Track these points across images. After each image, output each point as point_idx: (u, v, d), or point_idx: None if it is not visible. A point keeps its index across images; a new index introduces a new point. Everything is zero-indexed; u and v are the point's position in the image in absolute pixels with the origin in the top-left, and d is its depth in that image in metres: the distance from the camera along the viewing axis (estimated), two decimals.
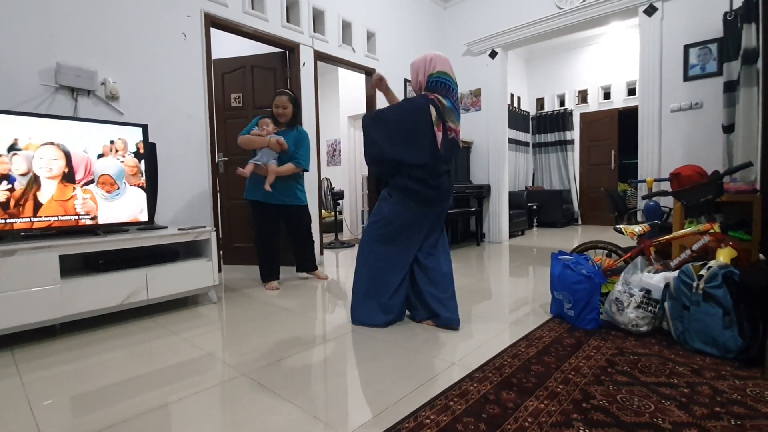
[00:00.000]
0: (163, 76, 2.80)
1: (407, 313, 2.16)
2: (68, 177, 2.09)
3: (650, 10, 3.73)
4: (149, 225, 2.45)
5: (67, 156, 2.09)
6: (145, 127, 2.40)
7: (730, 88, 2.94)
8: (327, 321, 2.24)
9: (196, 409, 1.31)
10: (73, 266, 2.18)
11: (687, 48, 3.55)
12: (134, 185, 2.34)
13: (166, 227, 2.53)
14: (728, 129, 3.01)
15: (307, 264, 3.13)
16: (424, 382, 1.44)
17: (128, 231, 2.32)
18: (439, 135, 1.86)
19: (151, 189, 2.44)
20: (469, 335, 1.93)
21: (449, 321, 1.99)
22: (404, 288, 2.08)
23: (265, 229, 2.88)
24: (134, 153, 2.33)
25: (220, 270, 2.77)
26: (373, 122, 1.98)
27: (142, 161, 2.37)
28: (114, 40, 2.58)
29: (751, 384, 1.36)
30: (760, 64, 1.99)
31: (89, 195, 2.16)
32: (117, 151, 2.26)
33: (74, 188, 2.11)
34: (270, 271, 2.92)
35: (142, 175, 2.37)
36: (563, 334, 1.88)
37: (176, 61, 2.87)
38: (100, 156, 2.20)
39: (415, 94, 2.01)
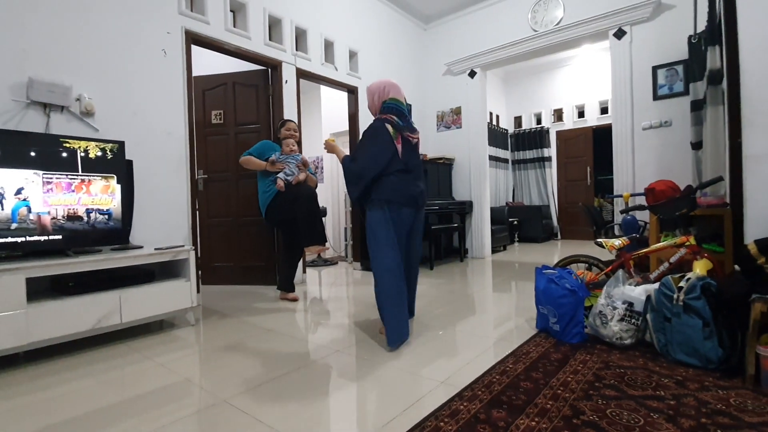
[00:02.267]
0: (141, 92, 2.75)
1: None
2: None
3: (619, 34, 3.92)
4: (124, 245, 2.36)
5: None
6: (121, 144, 2.33)
7: (697, 107, 3.08)
8: (309, 341, 2.17)
9: None
10: (40, 289, 2.06)
11: (655, 69, 3.73)
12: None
13: (141, 247, 2.44)
14: (696, 146, 3.14)
15: (288, 283, 3.11)
16: (412, 403, 1.41)
17: (101, 251, 2.23)
18: (399, 146, 2.06)
19: (126, 207, 2.36)
20: (456, 352, 1.90)
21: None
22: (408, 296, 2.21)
23: (294, 241, 3.07)
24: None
25: (198, 291, 2.68)
26: (351, 163, 2.10)
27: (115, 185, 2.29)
28: (91, 55, 2.52)
29: (734, 394, 1.38)
30: (725, 84, 2.10)
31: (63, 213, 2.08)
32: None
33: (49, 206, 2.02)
34: (293, 281, 3.12)
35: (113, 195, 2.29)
36: (550, 348, 1.88)
37: (155, 78, 2.82)
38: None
39: (372, 117, 2.22)
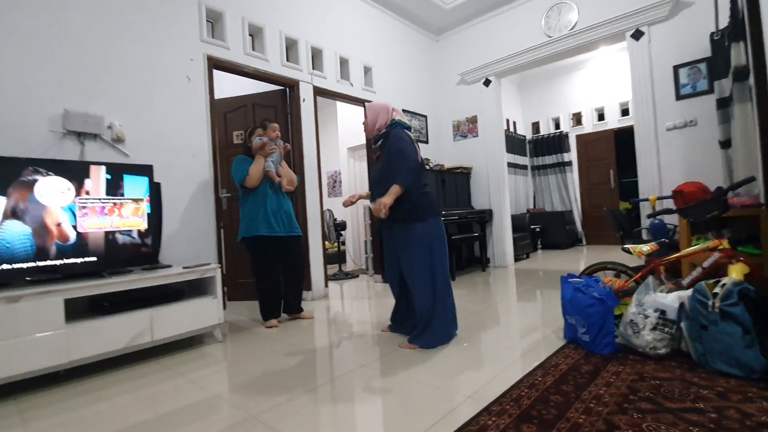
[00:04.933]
0: (167, 117, 2.87)
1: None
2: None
3: (637, 35, 3.86)
4: (154, 264, 2.44)
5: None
6: (149, 168, 2.43)
7: (723, 104, 2.99)
8: (334, 356, 2.18)
9: None
10: (78, 309, 2.15)
11: (676, 68, 3.64)
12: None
13: (170, 266, 2.52)
14: (725, 144, 3.03)
15: (296, 305, 2.97)
16: (439, 418, 1.39)
17: (132, 272, 2.31)
18: (419, 150, 2.31)
19: (156, 228, 2.45)
20: (482, 365, 1.88)
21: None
22: None
23: (269, 265, 2.82)
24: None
25: (225, 307, 2.73)
26: (406, 174, 2.21)
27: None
28: (120, 84, 2.66)
29: None
30: (751, 80, 2.04)
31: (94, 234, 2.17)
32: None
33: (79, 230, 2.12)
34: (273, 310, 2.85)
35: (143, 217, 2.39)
36: (580, 360, 1.83)
37: (180, 103, 2.95)
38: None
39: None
